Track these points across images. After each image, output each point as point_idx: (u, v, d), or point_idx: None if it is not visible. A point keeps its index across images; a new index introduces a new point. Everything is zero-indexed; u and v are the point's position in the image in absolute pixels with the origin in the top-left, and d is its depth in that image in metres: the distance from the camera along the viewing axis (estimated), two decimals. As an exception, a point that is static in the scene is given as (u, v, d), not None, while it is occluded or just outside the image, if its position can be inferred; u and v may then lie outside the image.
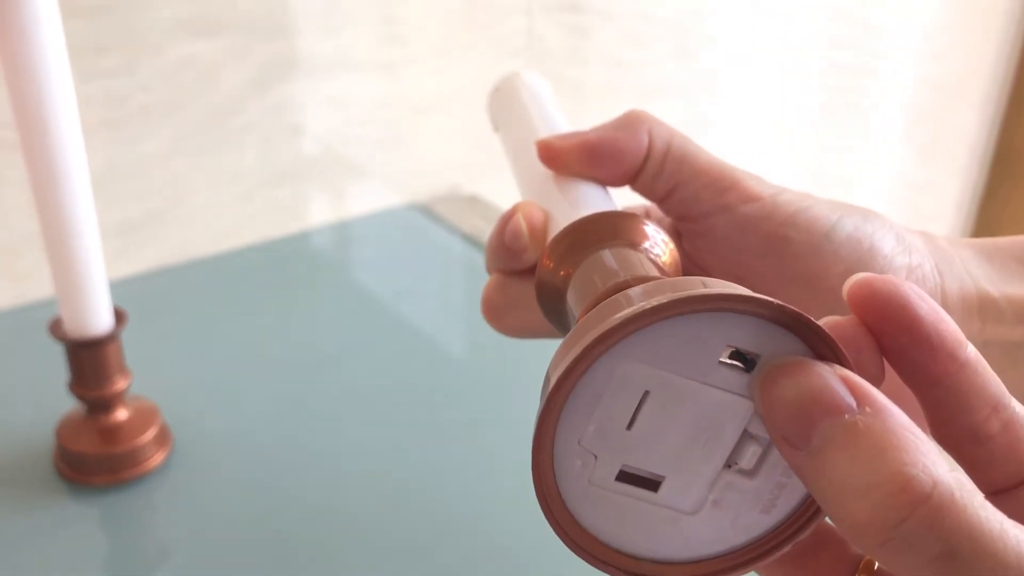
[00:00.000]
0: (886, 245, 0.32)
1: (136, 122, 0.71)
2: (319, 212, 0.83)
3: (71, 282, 0.49)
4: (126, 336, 0.52)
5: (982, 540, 0.18)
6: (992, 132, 1.35)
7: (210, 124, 0.74)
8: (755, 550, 0.22)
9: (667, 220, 0.35)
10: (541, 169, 0.34)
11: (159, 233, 0.75)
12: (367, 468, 0.55)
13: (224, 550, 0.49)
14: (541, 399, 0.21)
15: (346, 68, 0.79)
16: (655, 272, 0.27)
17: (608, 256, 0.27)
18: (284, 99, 0.77)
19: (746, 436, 0.21)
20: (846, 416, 0.19)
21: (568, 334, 0.22)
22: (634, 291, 0.22)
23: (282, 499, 0.52)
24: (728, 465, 0.22)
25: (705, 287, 0.21)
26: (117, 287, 0.55)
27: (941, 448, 0.21)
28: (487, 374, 0.65)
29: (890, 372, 0.22)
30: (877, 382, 0.21)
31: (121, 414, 0.53)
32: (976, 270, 0.33)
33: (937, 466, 0.18)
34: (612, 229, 0.28)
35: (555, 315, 0.30)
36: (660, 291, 0.21)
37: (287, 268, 0.78)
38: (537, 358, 0.31)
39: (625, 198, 0.35)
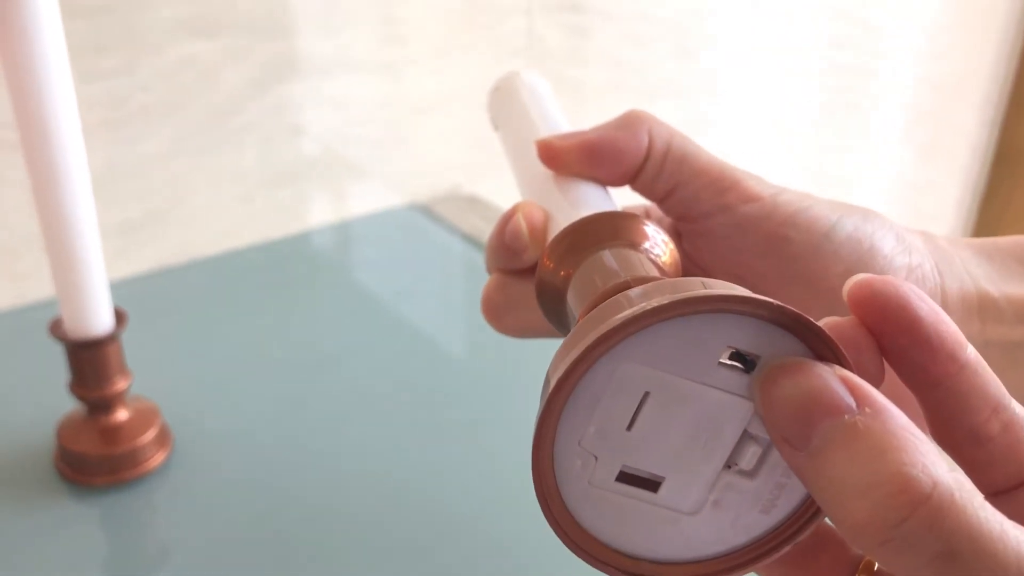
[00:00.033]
0: (886, 245, 0.32)
1: (136, 122, 0.71)
2: (319, 212, 0.83)
3: (71, 282, 0.49)
4: (126, 336, 0.52)
5: (982, 541, 0.18)
6: (992, 132, 1.35)
7: (210, 124, 0.74)
8: (755, 550, 0.22)
9: (667, 220, 0.35)
10: (541, 169, 0.34)
11: (159, 233, 0.75)
12: (367, 468, 0.55)
13: (224, 550, 0.49)
14: (541, 400, 0.21)
15: (346, 68, 0.79)
16: (655, 272, 0.27)
17: (608, 256, 0.27)
18: (284, 99, 0.77)
19: (746, 437, 0.21)
20: (846, 416, 0.19)
21: (568, 335, 0.22)
22: (634, 292, 0.22)
23: (282, 499, 0.52)
24: (728, 466, 0.22)
25: (705, 288, 0.21)
26: (117, 287, 0.55)
27: (941, 449, 0.21)
28: (487, 374, 0.65)
29: (890, 373, 0.22)
30: (877, 383, 0.21)
31: (121, 414, 0.53)
32: (976, 270, 0.33)
33: (937, 467, 0.18)
34: (612, 229, 0.28)
35: (555, 315, 0.30)
36: (660, 292, 0.21)
37: (287, 268, 0.78)
38: (537, 358, 0.31)
39: (625, 198, 0.35)
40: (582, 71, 0.93)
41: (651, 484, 0.22)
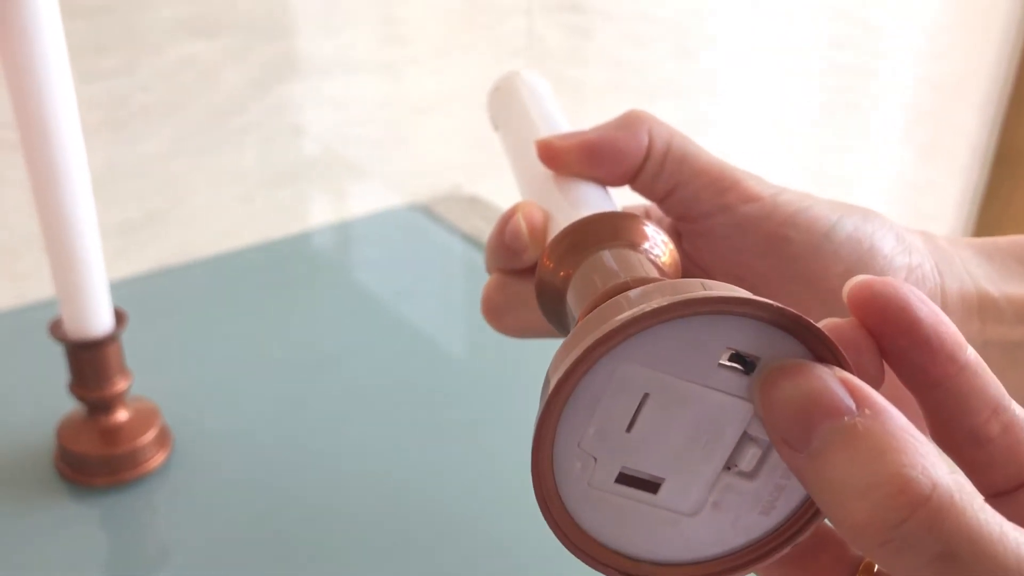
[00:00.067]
0: (886, 245, 0.32)
1: (136, 122, 0.71)
2: (319, 212, 0.83)
3: (71, 282, 0.49)
4: (126, 337, 0.52)
5: (981, 542, 0.18)
6: (993, 132, 1.35)
7: (210, 124, 0.74)
8: (755, 551, 0.22)
9: (667, 220, 0.35)
10: (541, 169, 0.34)
11: (159, 233, 0.75)
12: (367, 468, 0.55)
13: (224, 550, 0.49)
14: (541, 401, 0.21)
15: (346, 68, 0.79)
16: (655, 273, 0.27)
17: (608, 257, 0.27)
18: (284, 99, 0.77)
19: (746, 438, 0.21)
20: (845, 418, 0.19)
21: (568, 335, 0.22)
22: (634, 293, 0.22)
23: (282, 499, 0.52)
24: (728, 467, 0.22)
25: (705, 289, 0.21)
26: (117, 287, 0.55)
27: (941, 450, 0.21)
28: (487, 374, 0.65)
29: (890, 374, 0.22)
30: (877, 384, 0.21)
31: (121, 415, 0.53)
32: (976, 270, 0.33)
33: (936, 468, 0.18)
34: (612, 229, 0.28)
35: (555, 315, 0.30)
36: (660, 293, 0.21)
37: (287, 268, 0.78)
38: (537, 359, 0.31)
39: (625, 198, 0.35)
40: (582, 71, 0.93)
41: (651, 485, 0.22)
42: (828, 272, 0.32)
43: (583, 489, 0.22)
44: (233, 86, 0.74)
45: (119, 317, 0.51)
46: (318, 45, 0.77)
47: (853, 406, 0.19)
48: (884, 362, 0.22)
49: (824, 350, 0.21)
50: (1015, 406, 0.21)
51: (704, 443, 0.21)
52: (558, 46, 0.91)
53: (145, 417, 0.54)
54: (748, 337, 0.21)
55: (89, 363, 0.51)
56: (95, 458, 0.52)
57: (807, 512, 0.22)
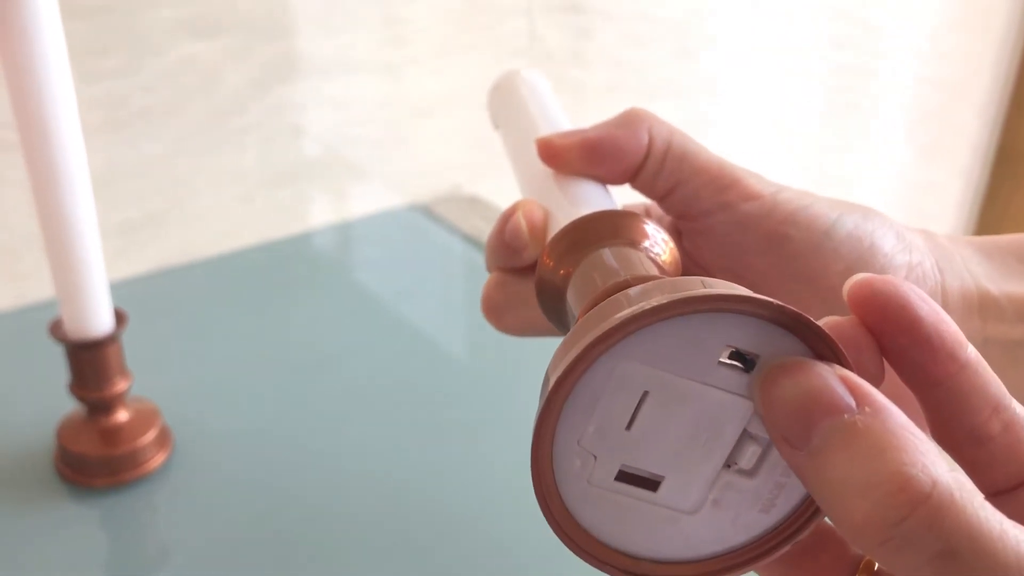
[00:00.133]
0: (886, 243, 0.32)
1: (137, 122, 0.71)
2: (320, 213, 0.83)
3: (71, 283, 0.49)
4: (126, 337, 0.52)
5: (982, 540, 0.18)
6: (994, 132, 1.35)
7: (211, 125, 0.74)
8: (755, 550, 0.22)
9: (667, 218, 0.35)
10: (541, 167, 0.34)
11: (160, 234, 0.75)
12: (367, 468, 0.55)
13: (225, 551, 0.49)
14: (540, 399, 0.21)
15: (347, 68, 0.79)
16: (655, 271, 0.27)
17: (608, 255, 0.27)
18: (285, 100, 0.77)
19: (746, 436, 0.21)
20: (845, 416, 0.19)
21: (568, 333, 0.22)
22: (634, 291, 0.22)
23: (283, 500, 0.52)
24: (728, 465, 0.22)
25: (705, 287, 0.20)
26: (118, 288, 0.55)
27: (941, 449, 0.21)
28: (487, 374, 0.65)
29: (890, 373, 0.22)
30: (877, 382, 0.21)
31: (121, 415, 0.53)
32: (976, 268, 0.33)
33: (936, 466, 0.18)
34: (612, 228, 0.28)
35: (555, 313, 0.30)
36: (660, 291, 0.21)
37: (288, 269, 0.78)
38: (537, 359, 0.31)
39: (625, 196, 0.35)
40: (582, 71, 0.93)
41: (650, 483, 0.22)
42: (828, 270, 0.32)
43: (583, 487, 0.22)
44: (233, 86, 0.74)
45: (119, 317, 0.51)
46: (318, 45, 0.77)
47: (853, 404, 0.19)
48: (884, 360, 0.22)
49: (824, 348, 0.21)
50: (1015, 404, 0.21)
51: (704, 441, 0.21)
52: (558, 46, 0.91)
53: (145, 418, 0.54)
54: (748, 335, 0.21)
55: (89, 363, 0.51)
56: (95, 459, 0.52)
57: (807, 510, 0.22)
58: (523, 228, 0.31)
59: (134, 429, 0.53)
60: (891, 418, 0.19)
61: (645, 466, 0.22)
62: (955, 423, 0.21)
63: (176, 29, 0.70)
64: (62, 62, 0.44)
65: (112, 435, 0.52)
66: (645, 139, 0.33)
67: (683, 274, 0.29)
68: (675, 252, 0.29)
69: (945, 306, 0.32)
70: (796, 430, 0.19)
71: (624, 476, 0.22)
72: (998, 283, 0.33)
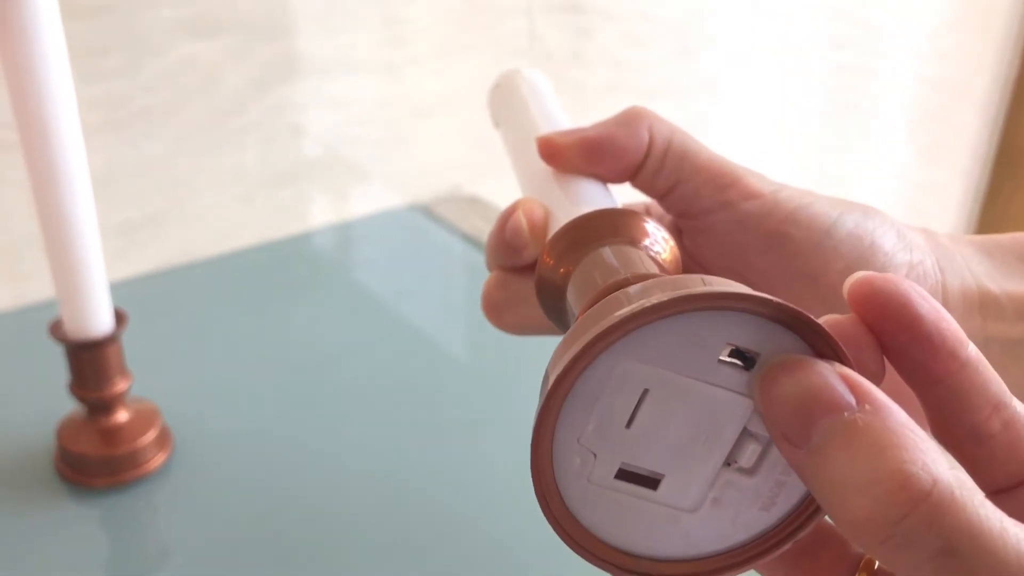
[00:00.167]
0: (887, 242, 0.32)
1: (137, 123, 0.71)
2: (320, 213, 0.83)
3: (71, 283, 0.49)
4: (127, 337, 0.52)
5: (982, 538, 0.18)
6: (994, 132, 1.35)
7: (211, 125, 0.74)
8: (755, 548, 0.22)
9: (668, 217, 0.35)
10: (542, 165, 0.34)
11: (160, 234, 0.75)
12: (368, 468, 0.55)
13: (225, 551, 0.49)
14: (540, 397, 0.21)
15: (347, 68, 0.79)
16: (655, 269, 0.27)
17: (608, 253, 0.27)
18: (285, 100, 0.77)
19: (746, 434, 0.21)
20: (846, 414, 0.19)
21: (568, 332, 0.22)
22: (634, 289, 0.22)
23: (283, 500, 0.52)
24: (728, 463, 0.22)
25: (705, 285, 0.20)
26: (118, 288, 0.55)
27: (941, 447, 0.21)
28: (487, 374, 0.65)
29: (891, 371, 0.22)
30: (877, 380, 0.21)
31: (121, 415, 0.53)
32: (977, 267, 0.33)
33: (937, 464, 0.18)
34: (612, 226, 0.28)
35: (555, 312, 0.30)
36: (660, 289, 0.21)
37: (288, 269, 0.78)
38: (538, 359, 0.31)
39: (626, 195, 0.35)
40: (583, 71, 0.93)
41: (650, 482, 0.22)
42: (828, 269, 0.32)
43: (583, 485, 0.22)
44: (234, 86, 0.74)
45: (119, 317, 0.51)
46: (318, 45, 0.77)
47: (853, 402, 0.19)
48: (885, 358, 0.22)
49: (824, 346, 0.21)
50: (1016, 403, 0.21)
51: (704, 439, 0.21)
52: (558, 46, 0.91)
53: (145, 418, 0.54)
54: (748, 333, 0.21)
55: (89, 363, 0.51)
56: (95, 459, 0.52)
57: (807, 509, 0.22)
58: (523, 227, 0.31)
59: (134, 429, 0.53)
60: (891, 416, 0.19)
61: (645, 464, 0.22)
62: (955, 421, 0.21)
63: (176, 29, 0.70)
64: (62, 62, 0.44)
65: (112, 435, 0.52)
66: (645, 137, 0.33)
67: (683, 272, 0.29)
68: (675, 250, 0.29)
69: (946, 305, 0.32)
70: (796, 428, 0.19)
71: (624, 474, 0.22)
72: (998, 282, 0.33)
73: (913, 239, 0.33)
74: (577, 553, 0.22)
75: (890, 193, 1.30)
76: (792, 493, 0.22)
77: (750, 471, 0.22)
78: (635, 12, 0.94)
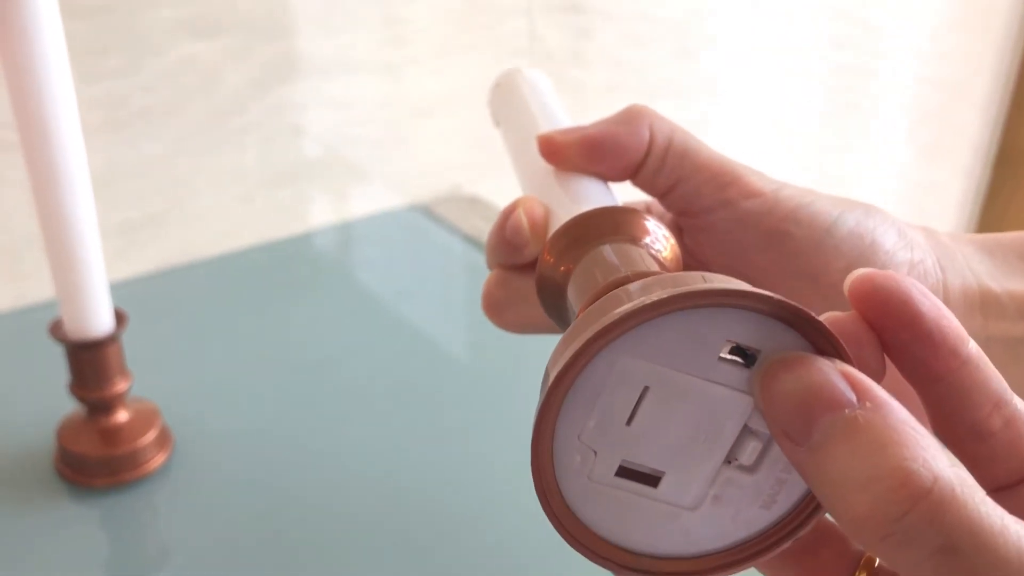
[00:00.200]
0: (888, 241, 0.32)
1: (137, 123, 0.71)
2: (320, 213, 0.83)
3: (72, 283, 0.49)
4: (127, 337, 0.52)
5: (983, 536, 0.18)
6: (995, 132, 1.35)
7: (211, 125, 0.74)
8: (755, 546, 0.22)
9: (668, 216, 0.35)
10: (542, 164, 0.34)
11: (160, 234, 0.75)
12: (368, 469, 0.55)
13: (225, 551, 0.49)
14: (540, 394, 0.21)
15: (347, 68, 0.79)
16: (656, 267, 0.27)
17: (609, 251, 0.27)
18: (285, 100, 0.77)
19: (746, 432, 0.21)
20: (846, 411, 0.19)
21: (568, 329, 0.22)
22: (634, 286, 0.22)
23: (283, 500, 0.52)
24: (728, 461, 0.22)
25: (705, 282, 0.20)
26: (118, 288, 0.55)
27: (942, 444, 0.21)
28: (488, 375, 0.65)
29: (891, 368, 0.22)
30: (878, 378, 0.21)
31: (121, 416, 0.53)
32: (978, 266, 0.33)
33: (938, 461, 0.18)
34: (613, 224, 0.28)
35: (555, 310, 0.30)
36: (660, 286, 0.21)
37: (288, 269, 0.78)
38: (538, 358, 0.31)
39: (626, 193, 0.35)
40: (583, 71, 0.93)
41: (651, 479, 0.22)
42: (829, 268, 0.32)
43: (583, 483, 0.22)
44: (234, 86, 0.74)
45: (119, 318, 0.51)
46: (318, 45, 0.77)
47: (854, 399, 0.19)
48: (885, 356, 0.22)
49: (825, 343, 0.21)
50: (1017, 400, 0.21)
51: (704, 437, 0.21)
52: (558, 46, 0.91)
53: (145, 418, 0.54)
54: (749, 330, 0.20)
55: (89, 364, 0.51)
56: (95, 459, 0.52)
57: (808, 506, 0.22)
58: (524, 225, 0.31)
59: (134, 429, 0.53)
60: (892, 413, 0.19)
61: (645, 462, 0.22)
62: (956, 419, 0.21)
63: (176, 29, 0.70)
64: (62, 62, 0.44)
65: (112, 435, 0.52)
66: (646, 136, 0.33)
67: (683, 270, 0.29)
68: (676, 248, 0.29)
69: (946, 303, 0.32)
70: (797, 425, 0.19)
71: (624, 472, 0.22)
72: (999, 280, 0.33)
73: (914, 238, 0.33)
74: (577, 551, 0.22)
75: (890, 193, 1.30)
76: (793, 491, 0.22)
77: (751, 469, 0.22)
78: (635, 12, 0.94)
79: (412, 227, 0.85)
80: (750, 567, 0.23)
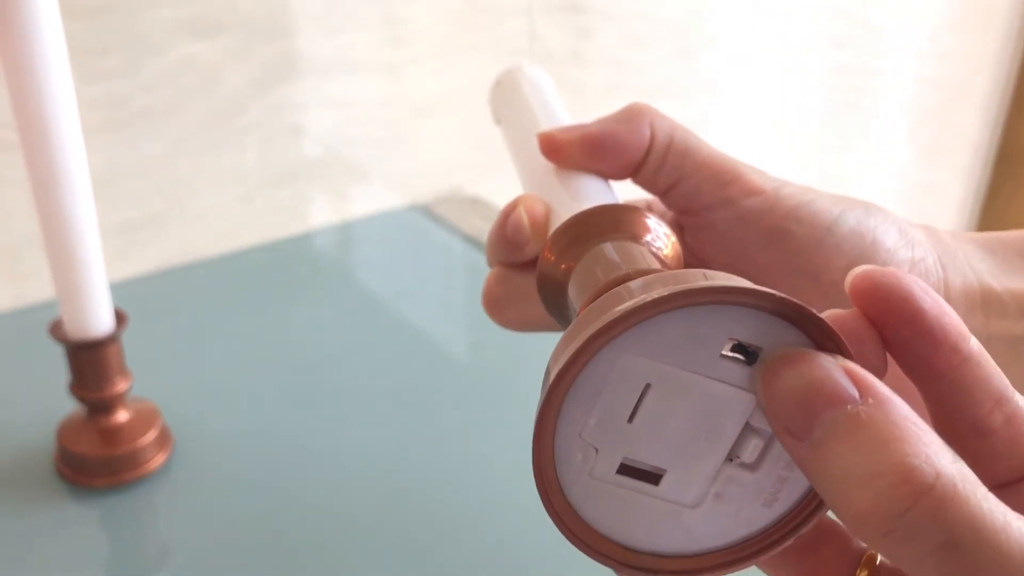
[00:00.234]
0: (889, 239, 0.32)
1: (137, 123, 0.71)
2: (320, 213, 0.83)
3: (72, 283, 0.48)
4: (127, 337, 0.52)
5: (985, 532, 0.18)
6: (995, 132, 1.35)
7: (211, 125, 0.74)
8: (757, 544, 0.22)
9: (669, 214, 0.35)
10: (543, 162, 0.34)
11: (160, 234, 0.75)
12: (368, 469, 0.55)
13: (225, 551, 0.49)
14: (542, 392, 0.21)
15: (347, 68, 0.79)
16: (657, 265, 0.27)
17: (610, 249, 0.27)
18: (285, 100, 0.77)
19: (748, 429, 0.21)
20: (848, 407, 0.19)
21: (569, 327, 0.22)
22: (635, 284, 0.21)
23: (283, 500, 0.52)
24: (730, 458, 0.22)
25: (707, 279, 0.20)
26: (118, 288, 0.55)
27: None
28: (488, 375, 0.65)
29: (893, 365, 0.22)
30: (880, 375, 0.21)
31: (122, 416, 0.53)
32: (979, 264, 0.33)
33: (940, 457, 0.18)
34: (614, 222, 0.28)
35: (556, 308, 0.30)
36: (662, 283, 0.21)
37: (288, 269, 0.78)
38: (538, 359, 0.31)
39: (627, 192, 0.35)
40: (583, 72, 0.93)
41: (652, 477, 0.22)
42: (830, 266, 0.32)
43: (584, 480, 0.22)
44: (234, 86, 0.74)
45: (119, 318, 0.51)
46: (318, 45, 0.77)
47: (856, 395, 0.19)
48: (887, 353, 0.22)
49: (827, 341, 0.20)
50: (1018, 397, 0.21)
51: (706, 434, 0.21)
52: (558, 46, 0.91)
53: (145, 418, 0.54)
54: (750, 327, 0.20)
55: (89, 364, 0.51)
56: (95, 459, 0.52)
57: (810, 504, 0.22)
58: (524, 223, 0.31)
59: (134, 429, 0.53)
60: (894, 409, 0.19)
61: (647, 459, 0.22)
62: (957, 416, 0.21)
63: (176, 29, 0.70)
64: (62, 62, 0.44)
65: (112, 435, 0.52)
66: (647, 134, 0.33)
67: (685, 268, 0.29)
68: (677, 246, 0.29)
69: (947, 302, 0.32)
70: (798, 421, 0.19)
71: (626, 469, 0.22)
72: (1001, 279, 0.33)
73: (915, 236, 0.33)
74: (578, 548, 0.22)
75: (890, 193, 1.30)
76: (794, 488, 0.22)
77: (752, 466, 0.22)
78: (635, 12, 0.94)
79: (412, 227, 0.85)
80: (751, 565, 0.23)
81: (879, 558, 0.23)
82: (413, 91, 0.84)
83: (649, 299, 0.20)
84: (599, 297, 0.22)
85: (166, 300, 0.72)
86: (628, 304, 0.20)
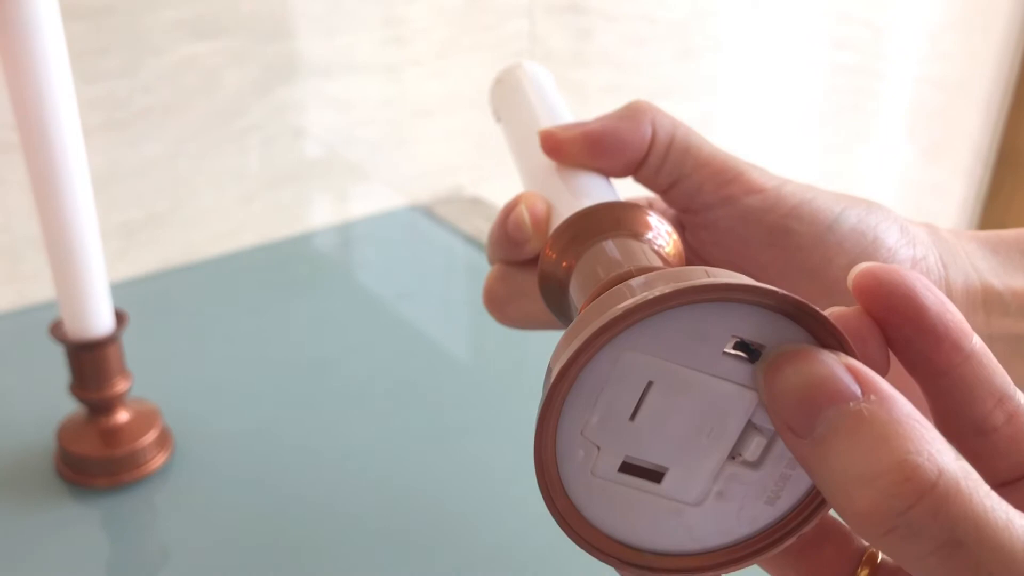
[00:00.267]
0: (890, 237, 0.32)
1: (138, 123, 0.71)
2: (321, 213, 0.83)
3: (72, 284, 0.48)
4: (127, 338, 0.52)
5: (987, 530, 0.18)
6: (996, 132, 1.35)
7: (212, 125, 0.74)
8: (759, 542, 0.22)
9: (671, 212, 0.35)
10: (544, 159, 0.34)
11: (160, 235, 0.75)
12: (369, 470, 0.55)
13: (225, 552, 0.49)
14: (543, 390, 0.21)
15: (348, 69, 0.79)
16: (658, 262, 0.26)
17: (611, 246, 0.27)
18: (286, 100, 0.77)
19: (750, 427, 0.21)
20: (850, 404, 0.19)
21: (570, 325, 0.22)
22: (637, 281, 0.21)
23: (283, 501, 0.52)
24: (732, 456, 0.21)
25: (709, 276, 0.20)
26: (118, 289, 0.55)
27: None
28: (489, 375, 0.65)
29: (895, 363, 0.22)
30: (882, 372, 0.21)
31: (122, 416, 0.53)
32: (980, 263, 0.33)
33: (942, 455, 0.18)
34: (615, 220, 0.28)
35: (557, 306, 0.29)
36: (663, 281, 0.20)
37: (289, 269, 0.78)
38: (539, 359, 0.31)
39: (628, 190, 0.35)
40: (584, 72, 0.93)
41: (654, 475, 0.22)
42: (832, 264, 0.32)
43: (586, 478, 0.22)
44: (234, 87, 0.74)
45: (119, 318, 0.51)
46: (319, 46, 0.77)
47: (858, 392, 0.19)
48: (889, 350, 0.22)
49: (829, 338, 0.20)
50: (1020, 395, 0.21)
51: (708, 432, 0.21)
52: (559, 47, 0.91)
53: (145, 418, 0.54)
54: (752, 325, 0.20)
55: (89, 364, 0.51)
56: (95, 459, 0.52)
57: (812, 502, 0.22)
58: (526, 220, 0.31)
59: (134, 430, 0.53)
60: (896, 406, 0.19)
61: (649, 457, 0.22)
62: (959, 413, 0.21)
63: (177, 30, 0.70)
64: (62, 62, 0.44)
65: (112, 436, 0.52)
66: (648, 132, 0.33)
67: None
68: (678, 244, 0.29)
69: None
70: (800, 418, 0.19)
71: (628, 467, 0.22)
72: (1002, 278, 0.33)
73: (916, 234, 0.33)
74: (580, 547, 0.22)
75: (892, 193, 1.30)
76: (797, 487, 0.22)
77: (755, 464, 0.22)
78: (636, 13, 0.94)
79: (413, 227, 0.85)
80: (754, 563, 0.23)
81: (880, 556, 0.23)
82: (414, 92, 0.83)
83: (651, 296, 0.20)
84: (601, 295, 0.22)
85: (166, 300, 0.72)
86: (630, 301, 0.20)
